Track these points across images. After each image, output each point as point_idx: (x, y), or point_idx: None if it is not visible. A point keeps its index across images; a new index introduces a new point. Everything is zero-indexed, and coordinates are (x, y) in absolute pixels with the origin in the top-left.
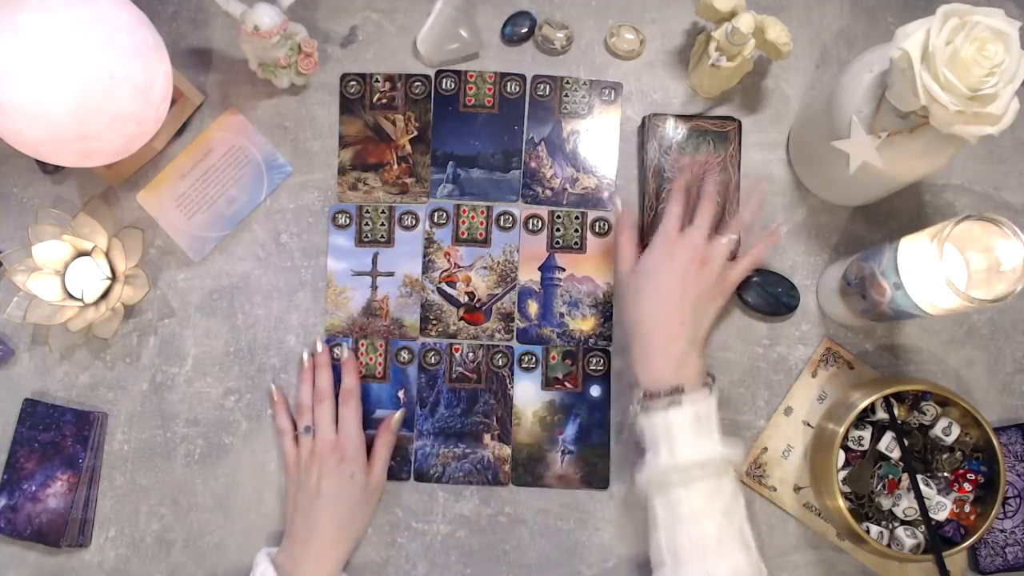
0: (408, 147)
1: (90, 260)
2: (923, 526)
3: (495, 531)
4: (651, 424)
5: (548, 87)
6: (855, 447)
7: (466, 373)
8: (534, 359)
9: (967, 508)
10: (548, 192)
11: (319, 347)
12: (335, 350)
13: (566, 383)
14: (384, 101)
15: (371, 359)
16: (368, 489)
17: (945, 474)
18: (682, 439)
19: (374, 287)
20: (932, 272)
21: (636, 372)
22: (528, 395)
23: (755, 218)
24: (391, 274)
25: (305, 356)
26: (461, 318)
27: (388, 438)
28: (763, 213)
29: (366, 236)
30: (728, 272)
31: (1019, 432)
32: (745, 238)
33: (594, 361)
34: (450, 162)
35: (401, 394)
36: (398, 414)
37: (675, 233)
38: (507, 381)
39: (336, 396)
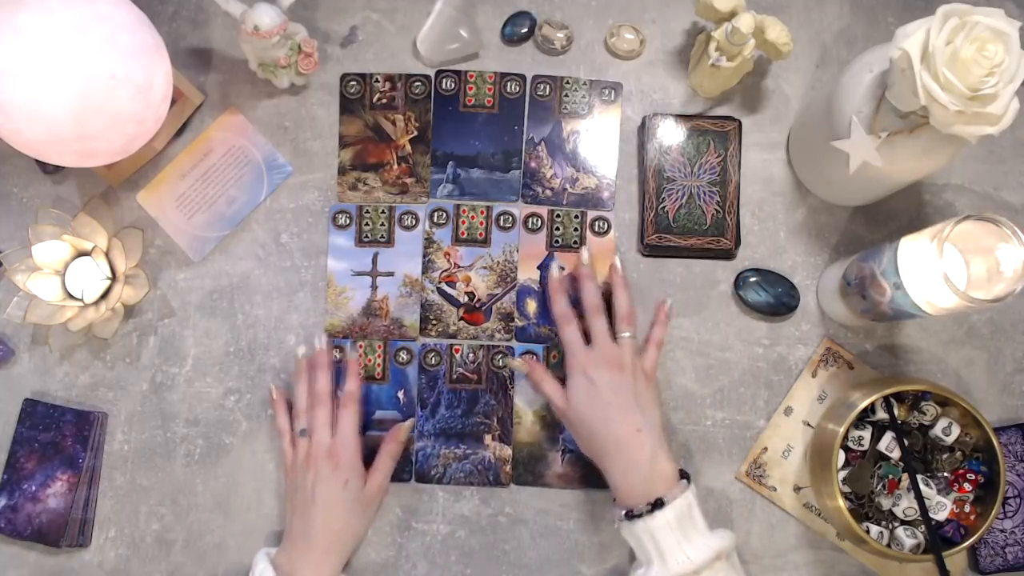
0: (408, 147)
1: (90, 260)
2: (923, 526)
3: (495, 531)
4: (635, 534)
5: (548, 87)
6: (855, 447)
7: (466, 374)
8: (535, 359)
9: (967, 508)
10: (548, 192)
11: (318, 345)
12: (336, 351)
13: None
14: (384, 101)
15: (370, 360)
16: (364, 497)
17: (945, 474)
18: (670, 546)
19: (374, 287)
20: (932, 272)
21: (615, 493)
22: (529, 395)
23: (665, 332)
24: (391, 274)
25: (300, 352)
26: (461, 318)
27: (394, 448)
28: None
29: (366, 236)
30: (643, 361)
31: (1019, 432)
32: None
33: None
34: (450, 162)
35: (401, 395)
36: (407, 424)
37: (583, 354)
38: (507, 381)
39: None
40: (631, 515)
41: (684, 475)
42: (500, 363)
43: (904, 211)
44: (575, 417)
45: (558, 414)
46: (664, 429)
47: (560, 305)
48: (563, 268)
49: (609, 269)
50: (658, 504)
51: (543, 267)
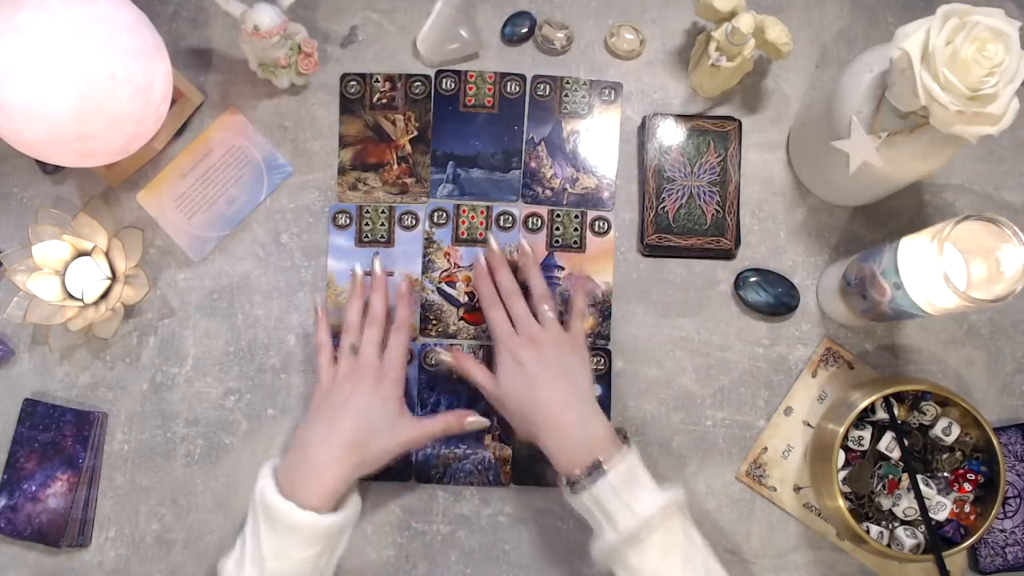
0: (408, 147)
1: (90, 260)
2: (923, 526)
3: (495, 531)
4: (583, 504)
5: (548, 87)
6: (855, 447)
7: None
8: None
9: (967, 508)
10: (548, 192)
11: (377, 268)
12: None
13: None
14: (384, 101)
15: None
16: (397, 424)
17: (945, 474)
18: (616, 507)
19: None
20: (932, 272)
21: (555, 466)
22: None
23: (584, 299)
24: (391, 274)
25: (358, 269)
26: (461, 318)
27: (453, 422)
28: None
29: (366, 236)
30: (570, 331)
31: (1019, 432)
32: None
33: (594, 360)
34: (450, 162)
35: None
36: (479, 421)
37: (508, 337)
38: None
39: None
40: (573, 486)
41: (623, 437)
42: (432, 361)
43: (904, 211)
44: (505, 398)
45: (490, 399)
46: (598, 400)
47: (485, 289)
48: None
49: (518, 252)
50: (596, 466)
51: (544, 267)
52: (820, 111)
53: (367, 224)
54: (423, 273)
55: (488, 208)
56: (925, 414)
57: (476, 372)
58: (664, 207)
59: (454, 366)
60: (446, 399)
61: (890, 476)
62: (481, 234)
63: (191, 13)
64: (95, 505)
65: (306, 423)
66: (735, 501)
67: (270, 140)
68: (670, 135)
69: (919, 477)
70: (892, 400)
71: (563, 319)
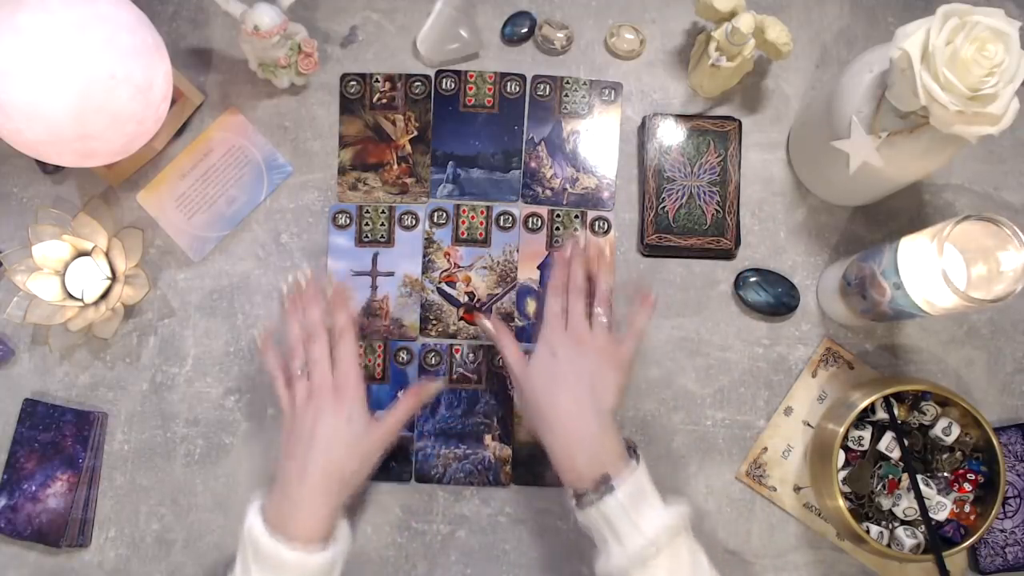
0: (408, 147)
1: (90, 260)
2: (923, 526)
3: (495, 531)
4: (590, 519)
5: (548, 87)
6: (855, 447)
7: (466, 374)
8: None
9: (967, 508)
10: (548, 192)
11: (301, 279)
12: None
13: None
14: (384, 101)
15: (370, 360)
16: (367, 436)
17: (945, 474)
18: (624, 526)
19: (374, 287)
20: (932, 272)
21: (560, 474)
22: None
23: (646, 321)
24: (391, 274)
25: (285, 288)
26: (461, 318)
27: (413, 401)
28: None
29: (366, 236)
30: (619, 347)
31: (1019, 432)
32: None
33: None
34: (450, 162)
35: (401, 395)
36: (435, 386)
37: (556, 328)
38: (508, 382)
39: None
40: (581, 500)
41: (632, 452)
42: (499, 363)
43: (904, 211)
44: (529, 386)
45: (514, 381)
46: (619, 423)
47: (558, 276)
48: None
49: (594, 251)
50: (605, 481)
51: (543, 267)
52: (820, 111)
53: (367, 224)
54: (423, 273)
55: (488, 208)
56: (925, 414)
57: (510, 351)
58: (664, 207)
59: (492, 335)
60: (445, 398)
61: (890, 476)
62: (481, 234)
63: (191, 13)
64: (95, 505)
65: (282, 457)
66: (735, 501)
67: (270, 140)
68: (670, 135)
69: (919, 477)
70: (892, 400)
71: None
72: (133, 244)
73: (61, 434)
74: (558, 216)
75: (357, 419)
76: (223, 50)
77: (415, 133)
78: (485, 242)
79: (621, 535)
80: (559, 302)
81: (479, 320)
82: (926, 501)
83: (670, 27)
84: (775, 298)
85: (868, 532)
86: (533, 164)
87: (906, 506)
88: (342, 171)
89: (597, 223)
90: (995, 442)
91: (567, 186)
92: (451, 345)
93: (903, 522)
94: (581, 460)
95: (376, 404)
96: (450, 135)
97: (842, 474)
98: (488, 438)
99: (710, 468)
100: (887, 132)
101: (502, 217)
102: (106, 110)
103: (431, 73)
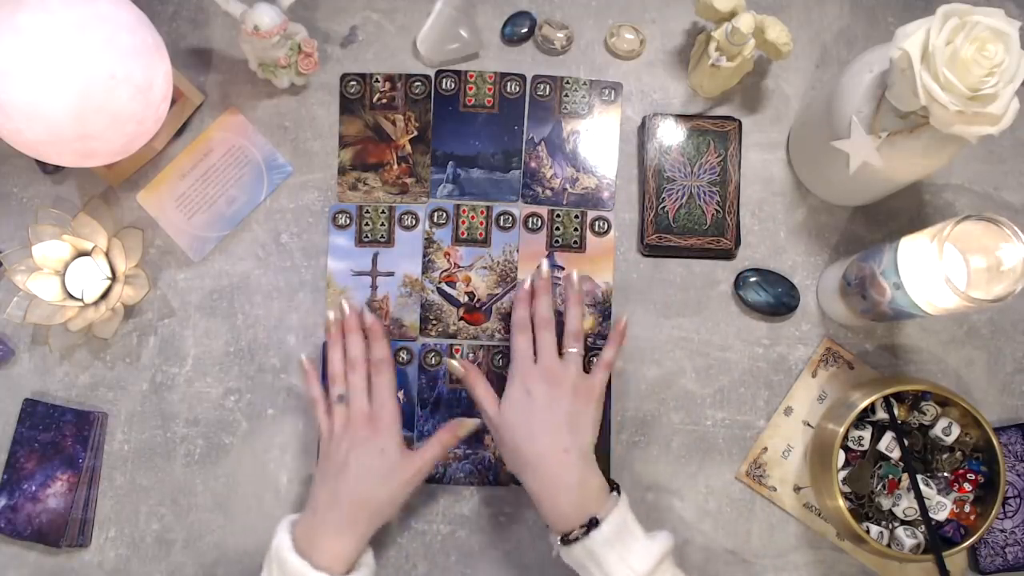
0: (408, 147)
1: (90, 260)
2: (923, 526)
3: (495, 531)
4: (575, 557)
5: (548, 87)
6: (855, 447)
7: None
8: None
9: (967, 508)
10: (548, 192)
11: (346, 309)
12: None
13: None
14: (384, 101)
15: None
16: (400, 470)
17: (945, 474)
18: (610, 559)
19: (374, 287)
20: (932, 272)
21: (541, 513)
22: None
23: (616, 352)
24: (391, 274)
25: (331, 316)
26: (461, 318)
27: (448, 439)
28: (625, 341)
29: (366, 236)
30: (590, 379)
31: (1019, 432)
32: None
33: (594, 360)
34: (450, 162)
35: (401, 395)
36: (471, 422)
37: (526, 366)
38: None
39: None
40: (566, 538)
41: (613, 485)
42: (500, 363)
43: (904, 211)
44: (504, 427)
45: (487, 422)
46: (594, 453)
47: (519, 312)
48: (558, 267)
49: (564, 280)
50: (593, 524)
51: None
52: (820, 111)
53: (367, 224)
54: (423, 273)
55: (488, 208)
56: (925, 414)
57: (481, 392)
58: (664, 207)
59: (461, 376)
60: (445, 398)
61: (890, 476)
62: (480, 234)
63: (191, 13)
64: (95, 505)
65: (316, 479)
66: (735, 501)
67: (270, 140)
68: (670, 135)
69: (919, 477)
70: (892, 400)
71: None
72: (133, 244)
73: (61, 434)
74: (558, 216)
75: (391, 451)
76: (223, 50)
77: (415, 133)
78: (485, 242)
79: (607, 569)
80: (525, 338)
81: (447, 362)
82: (926, 501)
83: (670, 27)
84: (775, 298)
85: (868, 532)
86: (533, 164)
87: (906, 506)
88: (342, 171)
89: (597, 223)
90: (995, 442)
91: (567, 186)
92: (451, 345)
93: (903, 522)
94: (566, 505)
95: None
96: (450, 135)
97: (842, 474)
98: (488, 438)
99: (710, 468)
100: (887, 132)
101: (502, 217)
102: (106, 110)
103: (431, 73)
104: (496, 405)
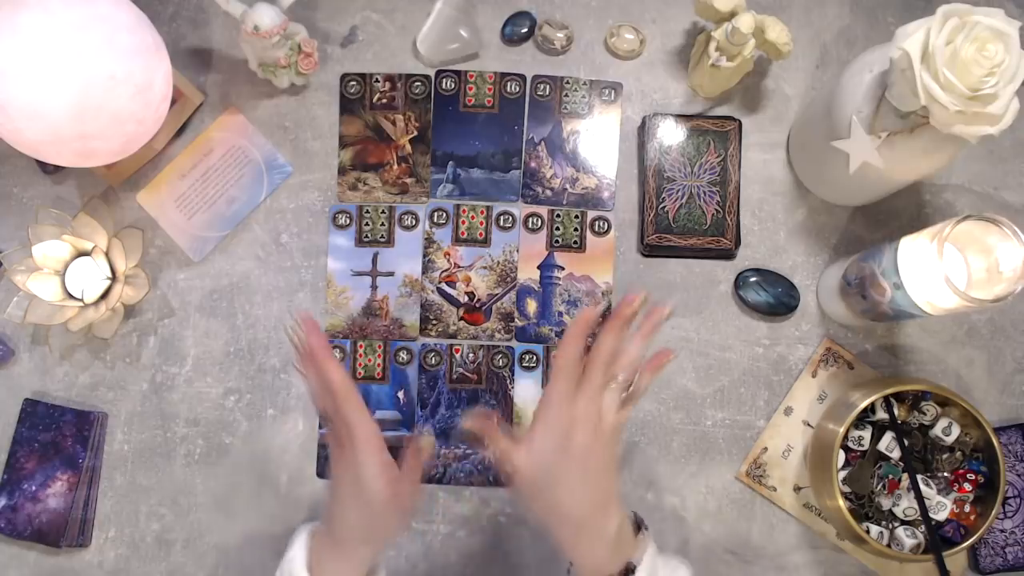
0: (408, 147)
1: (90, 260)
2: (923, 526)
3: (495, 531)
4: None
5: (548, 87)
6: (855, 447)
7: (466, 374)
8: (535, 358)
9: (967, 508)
10: (548, 192)
11: (292, 334)
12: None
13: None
14: (384, 101)
15: (370, 360)
16: (377, 500)
17: (945, 474)
18: None
19: (374, 287)
20: (932, 272)
21: (574, 563)
22: (529, 394)
23: (650, 383)
24: (391, 274)
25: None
26: (461, 318)
27: (414, 462)
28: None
29: (366, 236)
30: (621, 415)
31: (1019, 432)
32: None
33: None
34: (450, 162)
35: (401, 395)
36: (426, 442)
37: (567, 403)
38: (507, 381)
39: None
40: None
41: (637, 521)
42: (500, 363)
43: (904, 211)
44: (534, 477)
45: (509, 473)
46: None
47: (570, 351)
48: (558, 267)
49: (649, 310)
50: (630, 570)
51: (543, 267)
52: (820, 111)
53: (367, 224)
54: (423, 273)
55: (488, 208)
56: (925, 414)
57: (504, 445)
58: (664, 207)
59: (478, 432)
60: (445, 398)
61: (890, 476)
62: (480, 234)
63: (191, 13)
64: (95, 505)
65: (327, 493)
66: (735, 501)
67: (270, 140)
68: (670, 135)
69: (919, 477)
70: (892, 400)
71: None
72: (133, 244)
73: (61, 434)
74: (558, 216)
75: (366, 480)
76: (223, 50)
77: (415, 133)
78: (485, 242)
79: None
80: (569, 375)
81: (463, 427)
82: (926, 501)
83: (670, 27)
84: (775, 298)
85: (868, 532)
86: (533, 164)
87: (906, 506)
88: (342, 171)
89: (597, 223)
90: (995, 442)
91: (567, 186)
92: (451, 345)
93: (903, 522)
94: (603, 556)
95: (376, 404)
96: (450, 135)
97: (842, 474)
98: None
99: (710, 468)
100: (887, 132)
101: (502, 217)
102: (106, 110)
103: (431, 73)
104: (520, 450)
